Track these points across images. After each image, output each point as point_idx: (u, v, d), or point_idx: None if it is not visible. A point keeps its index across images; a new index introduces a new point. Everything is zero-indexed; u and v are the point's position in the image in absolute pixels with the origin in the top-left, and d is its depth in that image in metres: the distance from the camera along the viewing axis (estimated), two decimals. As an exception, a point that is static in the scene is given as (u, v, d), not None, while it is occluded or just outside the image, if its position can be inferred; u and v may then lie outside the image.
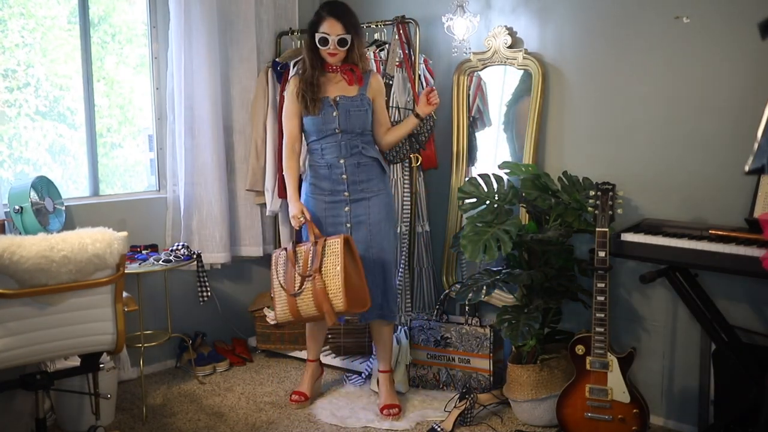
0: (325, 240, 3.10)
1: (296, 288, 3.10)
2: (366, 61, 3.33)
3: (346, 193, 3.24)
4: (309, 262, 3.08)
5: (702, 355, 2.96)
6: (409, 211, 3.73)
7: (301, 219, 3.23)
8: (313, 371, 3.53)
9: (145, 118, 3.95)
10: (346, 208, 3.25)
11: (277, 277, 3.17)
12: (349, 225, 3.25)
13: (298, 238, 3.45)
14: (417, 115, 3.30)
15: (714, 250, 2.53)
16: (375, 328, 3.38)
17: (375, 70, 3.49)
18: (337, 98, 3.23)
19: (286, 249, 3.21)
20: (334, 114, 3.21)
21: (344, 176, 3.23)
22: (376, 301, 3.24)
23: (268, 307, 3.99)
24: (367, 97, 3.28)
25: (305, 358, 4.08)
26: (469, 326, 3.54)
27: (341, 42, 3.19)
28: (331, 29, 3.18)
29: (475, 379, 3.53)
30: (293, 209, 3.26)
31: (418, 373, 3.66)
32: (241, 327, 4.23)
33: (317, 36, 3.20)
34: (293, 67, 3.89)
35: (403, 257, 3.73)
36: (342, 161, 3.22)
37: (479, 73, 3.69)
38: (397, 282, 3.70)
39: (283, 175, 3.96)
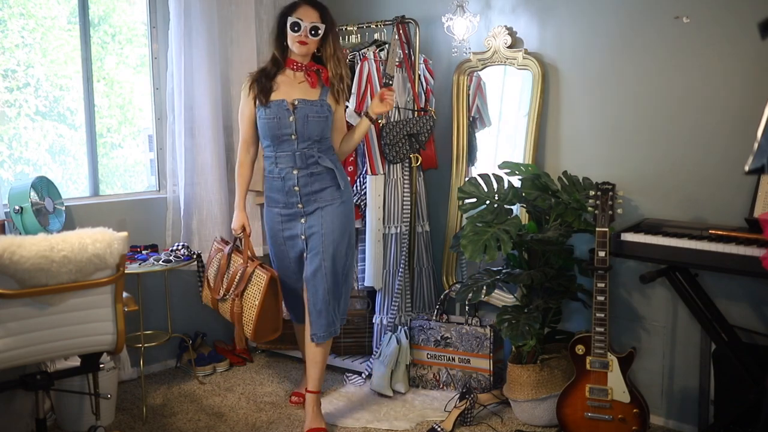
0: (255, 267, 3.06)
1: (220, 294, 3.17)
2: (338, 65, 3.09)
3: (300, 205, 3.09)
4: (235, 279, 3.10)
5: (702, 355, 2.96)
6: (409, 211, 3.73)
7: (240, 234, 3.19)
8: None
9: (145, 118, 3.95)
10: (302, 220, 3.11)
11: (209, 270, 3.29)
12: (303, 237, 3.12)
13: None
14: (369, 117, 3.18)
15: (714, 249, 2.53)
16: (307, 343, 3.17)
17: (347, 75, 3.19)
18: (296, 101, 3.04)
19: (224, 246, 3.23)
20: (291, 119, 3.02)
21: (296, 188, 3.07)
22: (329, 318, 3.11)
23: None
24: (328, 103, 3.10)
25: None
26: (469, 326, 3.54)
27: (314, 31, 3.00)
28: (306, 16, 3.00)
29: (475, 379, 3.53)
30: (234, 220, 3.22)
31: (418, 373, 3.66)
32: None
33: (289, 20, 3.00)
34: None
35: (403, 257, 3.73)
36: (295, 172, 3.06)
37: (479, 73, 3.69)
38: (398, 284, 3.70)
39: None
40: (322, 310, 3.09)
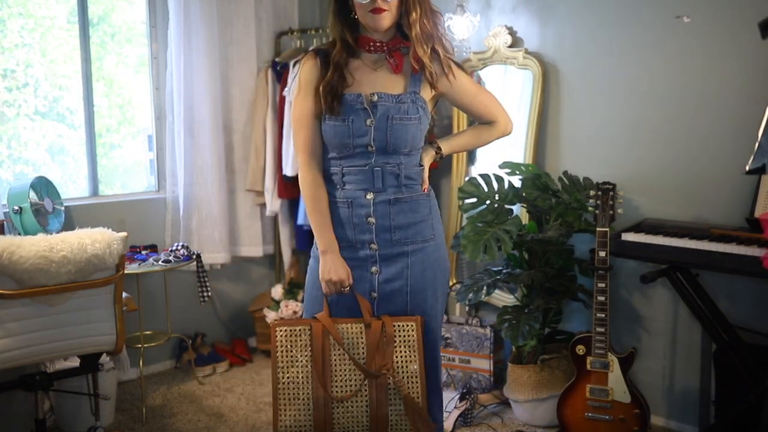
0: (393, 320, 2.08)
1: (345, 388, 2.03)
2: (428, 37, 2.05)
3: (374, 246, 2.09)
4: (367, 350, 2.05)
5: (703, 355, 2.95)
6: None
7: (345, 288, 2.09)
8: None
9: (144, 118, 3.95)
10: (373, 269, 2.11)
11: (291, 367, 2.04)
12: (375, 295, 2.11)
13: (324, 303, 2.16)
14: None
15: (715, 249, 2.53)
16: None
17: (448, 51, 2.15)
18: (374, 96, 2.05)
19: (300, 317, 2.26)
20: (368, 122, 2.05)
21: (371, 220, 2.08)
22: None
23: (269, 308, 3.99)
24: (421, 97, 2.09)
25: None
26: (469, 326, 3.53)
27: None
28: None
29: (475, 379, 3.52)
30: (330, 266, 2.08)
31: (418, 374, 3.65)
32: (240, 327, 4.23)
33: None
34: (293, 67, 3.88)
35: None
36: (370, 197, 2.08)
37: (479, 72, 3.69)
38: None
39: (283, 175, 3.97)
40: (431, 391, 2.17)
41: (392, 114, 2.05)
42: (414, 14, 2.01)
